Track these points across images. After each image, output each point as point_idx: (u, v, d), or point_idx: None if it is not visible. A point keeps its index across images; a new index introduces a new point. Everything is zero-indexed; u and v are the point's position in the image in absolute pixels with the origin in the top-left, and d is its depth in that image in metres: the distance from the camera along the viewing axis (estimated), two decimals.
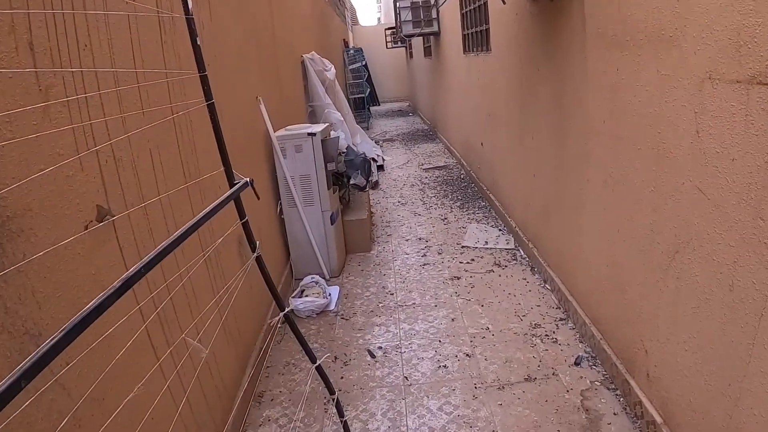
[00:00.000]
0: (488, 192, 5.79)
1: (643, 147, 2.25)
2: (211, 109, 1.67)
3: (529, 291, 3.86)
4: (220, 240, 2.44)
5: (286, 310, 2.11)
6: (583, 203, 3.05)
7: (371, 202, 6.21)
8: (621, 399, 2.71)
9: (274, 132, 3.98)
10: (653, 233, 2.24)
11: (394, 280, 4.33)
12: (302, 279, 4.27)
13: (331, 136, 4.36)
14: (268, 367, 3.31)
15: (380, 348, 3.38)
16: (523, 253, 4.47)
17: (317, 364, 2.40)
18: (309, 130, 4.00)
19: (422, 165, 8.07)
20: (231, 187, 1.74)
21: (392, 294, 4.04)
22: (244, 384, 2.93)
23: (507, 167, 4.97)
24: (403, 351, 3.32)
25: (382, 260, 4.74)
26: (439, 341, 3.38)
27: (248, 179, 1.79)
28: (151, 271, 1.18)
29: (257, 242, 2.00)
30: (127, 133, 1.84)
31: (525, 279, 4.05)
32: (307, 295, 4.01)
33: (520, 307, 3.67)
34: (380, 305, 3.93)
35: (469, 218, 5.52)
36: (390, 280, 4.33)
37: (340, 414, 2.57)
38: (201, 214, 1.48)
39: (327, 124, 4.39)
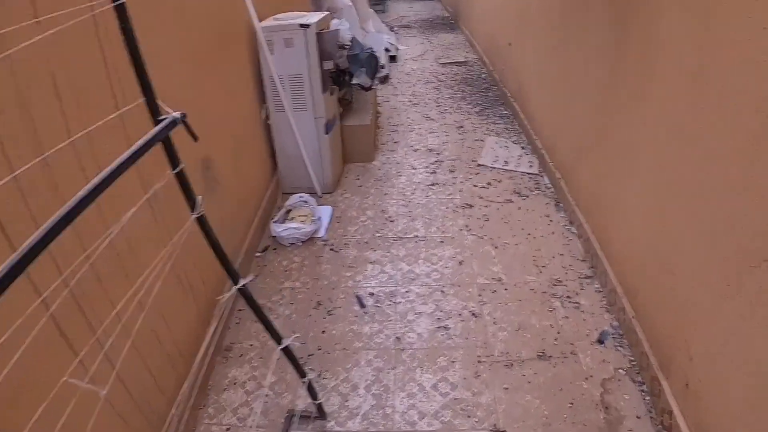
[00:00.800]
0: (512, 100, 5.09)
1: (746, 95, 1.58)
2: (120, 11, 1.14)
3: (552, 233, 3.33)
4: (151, 192, 1.85)
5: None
6: (635, 151, 2.44)
7: (378, 100, 5.50)
8: (647, 399, 2.31)
9: (260, 21, 3.28)
10: (735, 222, 1.67)
11: (396, 202, 3.84)
12: (290, 195, 3.78)
13: (331, 28, 3.61)
14: (240, 310, 2.83)
15: (372, 294, 2.92)
16: (548, 181, 3.91)
17: (284, 345, 1.92)
18: (302, 21, 3.29)
19: (439, 59, 7.21)
20: (156, 125, 1.26)
21: (392, 221, 3.51)
22: (207, 340, 2.53)
23: (538, 77, 4.26)
24: (398, 301, 2.85)
25: (385, 174, 4.21)
26: (442, 291, 2.89)
27: (179, 114, 1.30)
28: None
29: (199, 197, 1.53)
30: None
31: (548, 216, 3.50)
32: (293, 218, 3.49)
33: (539, 254, 3.18)
34: (377, 235, 3.47)
35: (488, 129, 4.84)
36: (391, 202, 3.84)
37: (313, 396, 2.16)
38: (105, 172, 1.05)
39: (326, 14, 3.65)
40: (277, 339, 1.94)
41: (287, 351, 1.98)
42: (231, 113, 3.00)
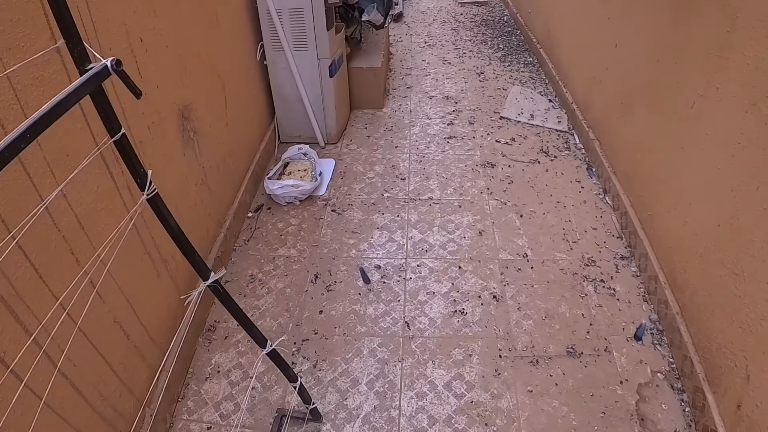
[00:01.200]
0: (538, 46, 4.59)
1: None
2: None
3: (584, 202, 2.97)
4: (90, 157, 1.46)
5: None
6: (701, 114, 2.04)
7: (391, 41, 5.00)
8: (687, 411, 2.02)
9: None
10: None
11: (408, 156, 3.45)
12: (289, 146, 3.42)
13: None
14: (226, 282, 2.56)
15: (378, 267, 2.60)
16: (578, 140, 3.51)
17: (268, 350, 1.58)
18: None
19: None
20: (82, 74, 0.93)
21: (403, 179, 3.12)
22: (186, 319, 2.20)
23: (570, 21, 3.79)
24: (408, 276, 2.52)
25: (396, 124, 3.81)
26: (459, 267, 2.55)
27: (110, 60, 0.94)
28: None
29: (148, 172, 1.18)
30: None
31: (579, 182, 3.12)
32: (290, 173, 3.09)
33: (570, 227, 2.84)
34: (385, 195, 3.11)
35: (511, 77, 4.38)
36: (403, 156, 3.46)
37: (305, 400, 1.86)
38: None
39: None
40: (262, 342, 1.58)
41: (273, 355, 1.62)
42: (219, 51, 2.61)
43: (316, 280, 2.56)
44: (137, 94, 1.00)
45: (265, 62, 3.23)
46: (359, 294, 2.48)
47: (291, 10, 2.97)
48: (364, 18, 3.61)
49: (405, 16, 5.84)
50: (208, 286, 1.39)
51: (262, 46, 3.14)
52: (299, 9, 2.95)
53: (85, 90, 0.90)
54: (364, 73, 3.72)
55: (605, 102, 3.02)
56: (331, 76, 3.23)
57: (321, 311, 2.42)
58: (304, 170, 3.17)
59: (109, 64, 0.92)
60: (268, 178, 3.00)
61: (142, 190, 1.14)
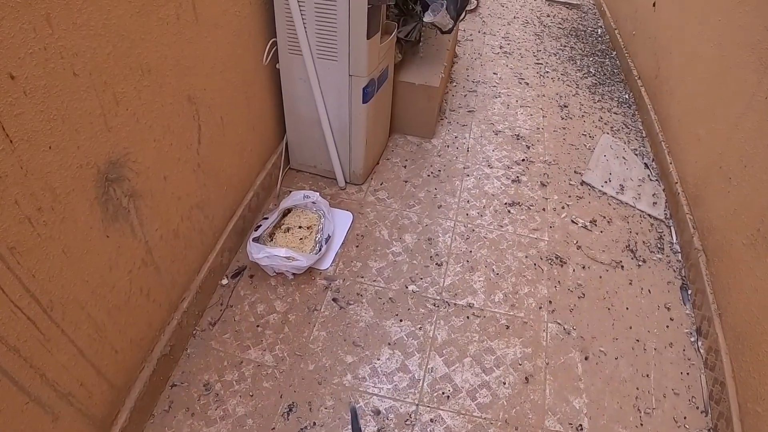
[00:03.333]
0: (639, 83, 3.77)
1: None
2: None
3: (670, 345, 2.34)
4: None
5: None
6: None
7: (459, 37, 4.19)
8: None
9: None
10: None
11: (452, 225, 2.78)
12: (299, 173, 2.86)
13: None
14: (172, 386, 1.95)
15: (377, 414, 2.07)
16: (676, 239, 2.78)
17: None
18: None
19: None
20: None
21: (439, 265, 2.42)
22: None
23: (698, 67, 2.97)
24: (412, 425, 1.79)
25: (446, 167, 3.13)
26: None
27: None
28: None
29: None
30: None
31: (669, 309, 2.49)
32: (288, 229, 2.38)
33: (646, 386, 2.19)
34: (410, 288, 2.47)
35: (601, 119, 3.60)
36: (445, 225, 2.78)
37: None
38: None
39: None
40: None
41: None
42: (193, 59, 1.95)
43: (289, 415, 1.94)
44: None
45: (277, 66, 2.49)
46: None
47: (318, 4, 2.21)
48: (427, 18, 2.84)
49: (481, 8, 4.99)
50: None
51: (274, 44, 2.40)
52: (330, 3, 2.19)
53: None
54: (416, 91, 2.99)
55: (731, 212, 2.25)
56: (365, 102, 2.51)
57: None
58: (308, 228, 2.47)
59: None
60: (253, 240, 2.31)
61: None
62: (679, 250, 2.66)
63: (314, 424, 1.93)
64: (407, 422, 1.95)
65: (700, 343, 2.27)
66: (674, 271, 2.56)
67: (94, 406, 1.63)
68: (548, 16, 5.05)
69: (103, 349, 1.63)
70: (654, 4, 3.76)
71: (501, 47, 4.38)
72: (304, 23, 2.34)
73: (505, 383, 2.08)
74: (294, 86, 2.58)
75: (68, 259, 1.42)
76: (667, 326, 2.33)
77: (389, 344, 2.18)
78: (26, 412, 1.35)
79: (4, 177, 1.18)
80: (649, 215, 2.83)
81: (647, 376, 2.15)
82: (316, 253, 2.36)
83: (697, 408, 2.07)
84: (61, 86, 1.30)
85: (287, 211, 2.58)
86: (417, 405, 2.00)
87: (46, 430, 1.44)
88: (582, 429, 1.97)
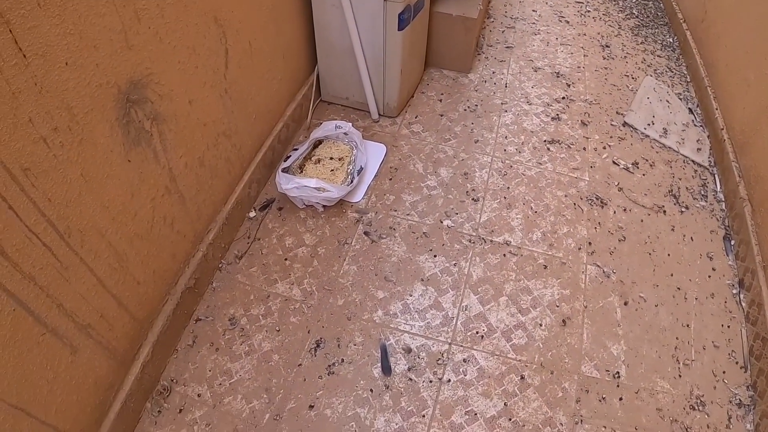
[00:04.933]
0: (685, 26, 3.48)
1: None
2: None
3: (712, 296, 2.18)
4: None
5: None
6: None
7: None
8: None
9: None
10: None
11: (489, 160, 2.61)
12: (330, 106, 2.70)
13: None
14: (197, 321, 1.95)
15: (408, 351, 1.98)
16: (720, 187, 2.58)
17: None
18: None
19: None
20: None
21: (476, 200, 2.29)
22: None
23: (749, 7, 2.65)
24: (447, 377, 1.94)
25: (483, 102, 2.94)
26: (522, 377, 1.94)
27: None
28: None
29: None
30: None
31: (711, 258, 2.32)
32: (319, 160, 2.25)
33: (686, 336, 2.06)
34: (445, 223, 2.34)
35: (644, 61, 3.35)
36: (482, 160, 2.62)
37: None
38: None
39: None
40: None
41: None
42: None
43: (316, 351, 1.83)
44: None
45: None
46: (371, 390, 1.78)
47: None
48: None
49: None
50: None
51: None
52: None
53: None
54: (453, 22, 2.79)
55: None
56: (400, 29, 2.34)
57: (312, 405, 1.76)
58: (339, 159, 2.33)
59: None
60: (283, 170, 2.18)
61: None
62: (723, 199, 2.48)
63: (342, 360, 1.84)
64: (439, 361, 1.85)
65: (742, 296, 2.11)
66: (717, 220, 2.39)
67: (114, 339, 1.54)
68: None
69: (125, 279, 1.54)
70: None
71: None
72: None
73: (541, 325, 1.96)
74: (326, 13, 2.41)
75: (87, 183, 1.31)
76: (709, 276, 2.17)
77: (422, 280, 2.06)
78: (42, 344, 1.26)
79: (17, 93, 1.07)
80: (692, 161, 2.65)
81: (687, 326, 2.01)
82: (348, 185, 2.23)
83: (737, 363, 1.94)
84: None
85: (318, 143, 2.45)
86: (450, 344, 1.90)
87: (64, 363, 1.35)
88: (619, 376, 1.85)
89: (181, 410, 1.73)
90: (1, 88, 1.03)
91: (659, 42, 3.51)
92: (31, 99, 1.11)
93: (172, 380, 1.79)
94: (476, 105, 2.83)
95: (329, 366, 1.84)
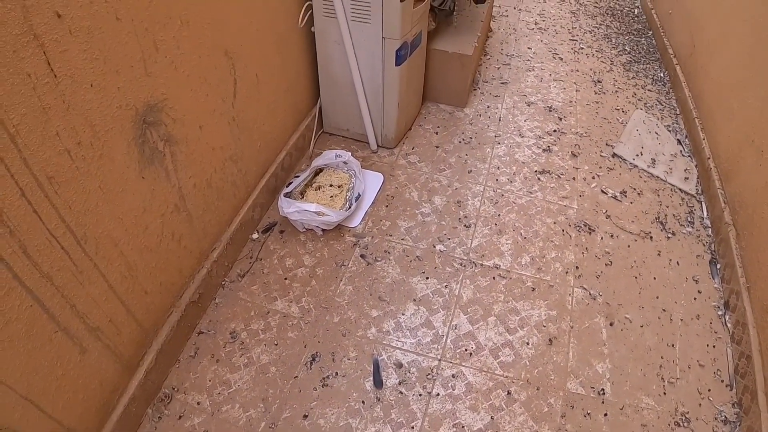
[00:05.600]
0: (675, 61, 3.64)
1: None
2: None
3: (697, 317, 2.26)
4: None
5: None
6: None
7: (494, 13, 4.11)
8: None
9: None
10: None
11: (482, 189, 2.73)
12: (331, 137, 2.84)
13: None
14: (199, 334, 2.03)
15: (399, 366, 2.05)
16: (706, 213, 2.70)
17: None
18: None
19: None
20: None
21: (467, 226, 2.40)
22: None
23: (731, 41, 2.88)
24: (435, 391, 2.00)
25: (477, 134, 3.07)
26: (509, 392, 2.03)
27: None
28: None
29: None
30: None
31: (697, 281, 2.41)
32: (319, 187, 2.36)
33: (671, 355, 2.12)
34: (438, 247, 2.43)
35: (634, 95, 3.50)
36: (475, 189, 2.73)
37: None
38: None
39: None
40: None
41: None
42: (229, 15, 1.93)
43: (312, 364, 1.91)
44: None
45: (312, 29, 2.49)
46: (363, 402, 1.87)
47: None
48: None
49: None
50: None
51: (310, 8, 2.39)
52: None
53: None
54: (449, 59, 2.93)
55: (763, 185, 2.18)
56: (397, 64, 2.48)
57: (306, 415, 1.84)
58: (339, 186, 2.45)
59: None
60: (285, 195, 2.29)
61: None
62: (710, 225, 2.58)
63: (336, 374, 1.92)
64: (429, 376, 1.93)
65: (727, 317, 2.20)
66: (704, 245, 2.48)
67: (121, 345, 1.63)
68: None
69: (134, 288, 1.64)
70: None
71: (536, 23, 4.28)
72: None
73: (528, 344, 2.05)
74: (328, 49, 2.56)
75: (104, 195, 1.42)
76: (695, 298, 2.26)
77: (414, 300, 2.15)
78: (54, 341, 1.35)
79: (47, 109, 1.18)
80: (680, 189, 2.75)
81: (672, 346, 2.09)
82: (346, 210, 2.34)
83: (722, 381, 2.01)
84: (104, 28, 1.30)
85: (319, 171, 2.57)
86: (439, 360, 1.98)
87: (73, 362, 1.44)
88: (604, 393, 1.92)
89: (180, 417, 1.80)
90: (34, 102, 1.15)
91: (650, 77, 3.65)
92: (59, 115, 1.23)
93: (174, 388, 1.87)
94: (471, 137, 2.95)
95: (324, 378, 1.92)
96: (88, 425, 1.54)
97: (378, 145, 2.82)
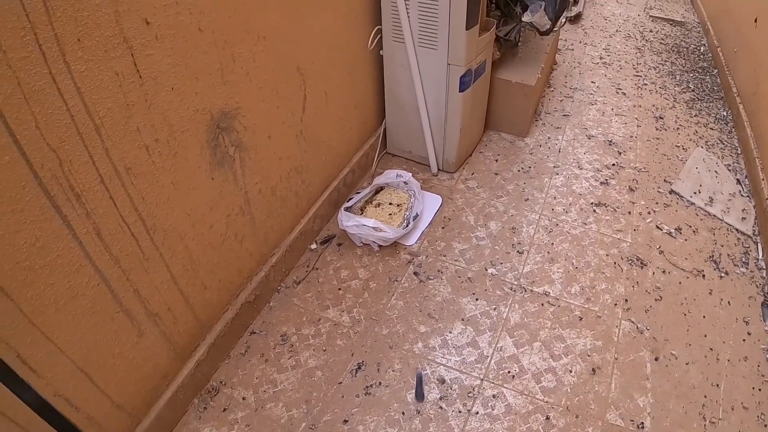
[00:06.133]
0: (738, 100, 3.55)
1: None
2: None
3: (745, 359, 2.16)
4: None
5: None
6: None
7: (559, 46, 4.11)
8: None
9: None
10: None
11: (537, 218, 2.72)
12: (394, 157, 2.88)
13: None
14: (251, 334, 2.10)
15: (441, 382, 2.03)
16: (762, 255, 2.59)
17: None
18: None
19: (650, 9, 5.42)
20: None
21: (520, 252, 2.39)
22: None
23: None
24: (475, 410, 1.96)
25: (536, 165, 3.06)
26: (548, 417, 1.99)
27: None
28: None
29: None
30: None
31: (747, 323, 2.31)
32: (379, 204, 2.41)
33: (714, 395, 2.03)
34: (489, 271, 2.43)
35: (696, 133, 3.42)
36: (530, 217, 2.73)
37: None
38: None
39: None
40: None
41: None
42: (304, 34, 2.02)
43: (357, 372, 1.95)
44: None
45: (381, 52, 2.57)
46: (403, 413, 1.88)
47: None
48: (525, 18, 2.81)
49: (584, 19, 4.88)
50: None
51: (379, 32, 2.47)
52: None
53: None
54: (512, 89, 2.95)
55: None
56: (461, 91, 2.50)
57: (346, 420, 1.86)
58: (398, 205, 2.48)
59: None
60: (345, 209, 2.34)
61: None
62: (764, 267, 2.49)
63: (380, 383, 1.94)
64: (470, 394, 1.93)
65: None
66: (757, 286, 2.40)
67: (177, 333, 1.70)
68: (651, 31, 4.86)
69: (194, 281, 1.70)
70: (755, 20, 3.56)
71: (601, 58, 4.25)
72: (407, 13, 2.37)
73: (571, 371, 2.02)
74: (395, 72, 2.62)
75: (175, 190, 1.50)
76: (744, 340, 2.18)
77: (462, 320, 2.16)
78: (115, 321, 1.43)
79: (131, 105, 1.27)
80: (736, 229, 2.67)
81: (717, 386, 2.02)
82: (403, 228, 2.37)
83: (765, 426, 1.92)
84: (187, 37, 1.39)
85: (380, 189, 2.61)
86: (482, 380, 1.97)
87: (130, 343, 1.51)
88: (643, 427, 1.88)
89: (225, 410, 1.85)
90: (120, 99, 1.24)
91: (713, 115, 3.57)
92: (141, 112, 1.31)
93: (221, 382, 1.92)
94: (530, 167, 2.95)
95: (367, 387, 1.94)
96: (137, 405, 1.60)
97: (438, 169, 2.86)
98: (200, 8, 1.43)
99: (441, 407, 1.89)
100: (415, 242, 2.45)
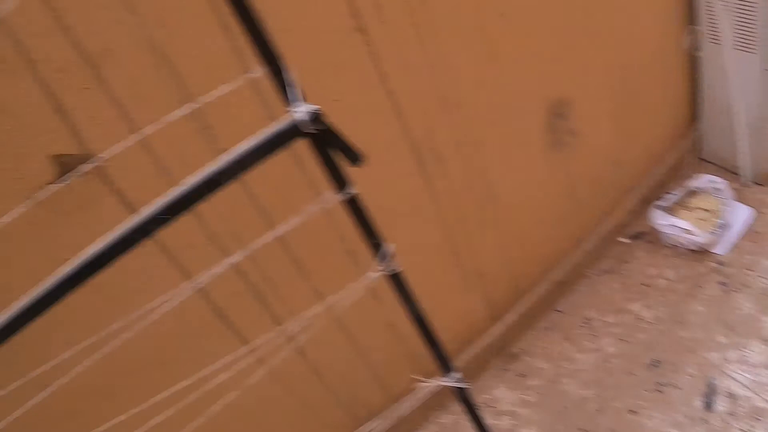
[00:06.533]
0: None
1: None
2: None
3: None
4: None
5: None
6: None
7: None
8: None
9: None
10: None
11: None
12: (705, 164, 2.82)
13: None
14: (557, 311, 2.37)
15: (731, 396, 2.08)
16: None
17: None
18: None
19: None
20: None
21: None
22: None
23: None
24: (756, 428, 1.93)
25: None
26: None
27: (315, 109, 0.75)
28: None
29: (390, 247, 0.98)
30: None
31: None
32: (688, 208, 2.49)
33: None
34: None
35: None
36: None
37: None
38: None
39: None
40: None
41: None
42: (624, 33, 2.09)
43: (651, 368, 2.15)
44: (354, 160, 0.79)
45: (698, 53, 2.53)
46: (688, 418, 2.02)
47: None
48: None
49: None
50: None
51: (695, 30, 2.44)
52: None
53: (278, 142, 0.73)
54: None
55: None
56: None
57: (634, 411, 2.04)
58: (708, 211, 2.53)
59: (306, 114, 0.70)
60: (657, 206, 2.46)
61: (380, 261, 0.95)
62: None
63: (670, 383, 2.09)
64: (757, 416, 1.98)
65: None
66: None
67: (495, 292, 2.01)
68: None
69: (521, 252, 1.99)
70: None
71: None
72: (725, 11, 2.27)
73: None
74: (712, 75, 2.55)
75: (516, 162, 1.83)
76: None
77: (763, 339, 2.17)
78: (448, 273, 1.79)
79: (481, 83, 1.57)
80: None
81: None
82: (713, 233, 2.43)
83: None
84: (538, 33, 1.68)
85: (691, 193, 2.64)
86: None
87: (458, 293, 1.85)
88: None
89: (523, 375, 2.13)
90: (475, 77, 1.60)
91: None
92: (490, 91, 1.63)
93: (522, 350, 2.21)
94: None
95: (659, 384, 2.09)
96: (449, 349, 1.93)
97: (750, 180, 2.76)
98: (554, 17, 1.71)
99: (727, 422, 1.97)
100: (724, 251, 2.46)
